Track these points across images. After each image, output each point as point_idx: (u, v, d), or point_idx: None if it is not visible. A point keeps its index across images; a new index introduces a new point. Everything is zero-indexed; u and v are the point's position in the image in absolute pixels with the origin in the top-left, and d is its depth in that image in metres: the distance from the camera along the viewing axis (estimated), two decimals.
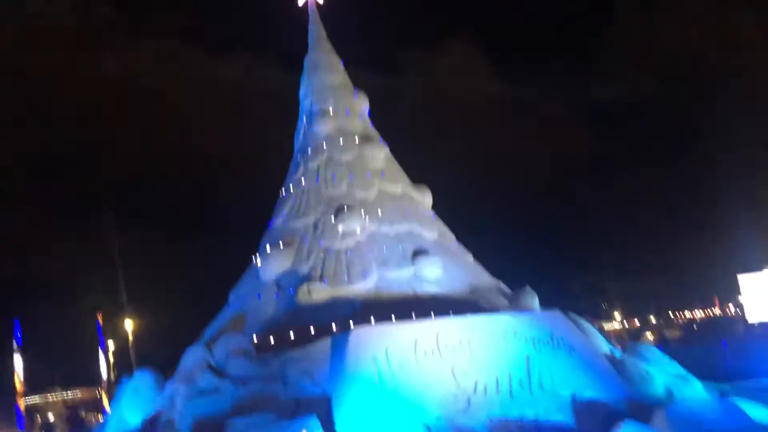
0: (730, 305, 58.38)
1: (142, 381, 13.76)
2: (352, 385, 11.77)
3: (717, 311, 60.84)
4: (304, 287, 15.15)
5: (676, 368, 13.77)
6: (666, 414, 11.07)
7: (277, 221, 18.19)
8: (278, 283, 16.18)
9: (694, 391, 12.63)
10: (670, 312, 61.89)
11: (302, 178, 18.46)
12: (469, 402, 11.61)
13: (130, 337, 31.24)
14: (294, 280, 15.81)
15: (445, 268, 16.07)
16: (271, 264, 16.54)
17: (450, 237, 17.93)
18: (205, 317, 17.67)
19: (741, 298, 36.94)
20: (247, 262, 18.01)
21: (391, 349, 12.18)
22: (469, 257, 17.56)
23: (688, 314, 62.21)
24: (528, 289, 15.88)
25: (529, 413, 11.65)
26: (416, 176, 19.18)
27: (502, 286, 16.89)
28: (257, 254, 17.59)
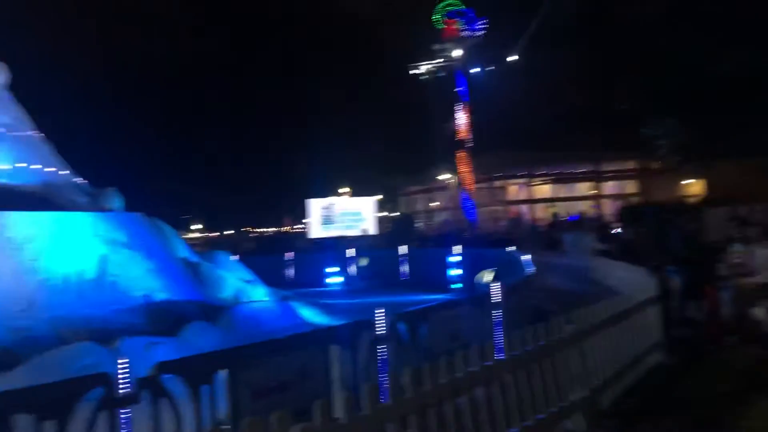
0: (297, 225, 65.76)
1: None
2: None
3: (287, 229, 67.88)
4: None
5: (246, 274, 15.00)
6: (231, 314, 11.98)
7: None
8: None
9: (259, 295, 13.97)
10: (247, 227, 66.83)
11: None
12: (31, 301, 10.74)
13: None
14: None
15: (17, 157, 14.22)
16: None
17: (27, 125, 15.80)
18: None
19: (306, 220, 41.84)
20: None
21: None
22: (49, 150, 15.82)
23: (261, 229, 67.99)
24: (111, 190, 15.15)
25: (98, 313, 11.32)
26: None
27: (84, 184, 15.74)
28: None
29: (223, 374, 5.52)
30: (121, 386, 5.14)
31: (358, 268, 22.98)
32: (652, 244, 16.47)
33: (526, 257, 14.48)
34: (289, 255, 24.96)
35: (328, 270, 22.77)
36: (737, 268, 10.78)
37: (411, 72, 51.82)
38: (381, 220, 44.11)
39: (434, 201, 67.30)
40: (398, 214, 64.99)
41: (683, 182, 53.25)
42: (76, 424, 4.81)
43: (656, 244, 15.67)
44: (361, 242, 33.43)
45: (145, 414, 5.16)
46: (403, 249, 23.21)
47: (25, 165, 14.33)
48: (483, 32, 46.19)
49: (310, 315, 13.38)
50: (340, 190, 57.12)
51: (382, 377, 5.26)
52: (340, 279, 22.48)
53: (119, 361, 5.28)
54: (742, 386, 7.99)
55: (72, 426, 4.80)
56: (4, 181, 13.69)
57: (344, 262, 23.19)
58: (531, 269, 11.94)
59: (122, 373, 5.18)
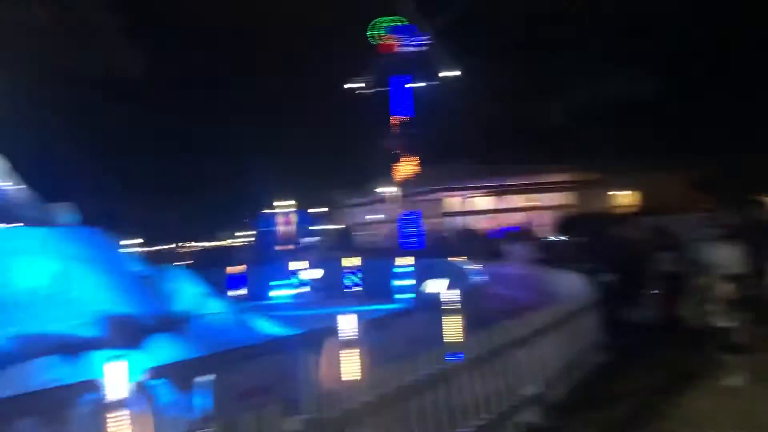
0: (236, 238, 65.55)
1: None
2: None
3: (225, 243, 67.42)
4: None
5: (201, 287, 15.12)
6: (191, 325, 12.20)
7: None
8: None
9: (215, 307, 14.15)
10: (189, 241, 66.34)
11: None
12: None
13: None
14: None
15: None
16: None
17: None
18: None
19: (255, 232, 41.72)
20: None
21: None
22: (1, 165, 15.44)
23: (202, 244, 67.50)
24: (66, 204, 15.04)
25: (55, 329, 11.30)
26: None
27: (38, 199, 15.49)
28: None
29: (208, 378, 5.85)
30: (109, 392, 5.38)
31: (309, 280, 23.09)
32: (589, 252, 17.42)
33: (473, 266, 15.12)
34: (234, 269, 24.44)
35: (277, 282, 22.91)
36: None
37: (347, 86, 52.27)
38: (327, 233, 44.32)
39: (375, 214, 67.87)
40: (340, 226, 65.42)
41: (616, 193, 55.64)
42: (72, 427, 5.08)
43: (592, 252, 16.62)
44: (310, 254, 33.53)
45: (135, 417, 5.43)
46: (348, 261, 23.48)
47: None
48: (424, 48, 47.19)
49: (267, 326, 13.68)
50: (281, 203, 56.86)
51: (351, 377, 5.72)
52: (289, 291, 22.62)
53: (106, 366, 5.48)
54: (674, 380, 8.79)
55: (68, 428, 5.06)
56: None
57: (293, 275, 23.30)
58: (481, 278, 12.55)
59: (111, 380, 5.41)
